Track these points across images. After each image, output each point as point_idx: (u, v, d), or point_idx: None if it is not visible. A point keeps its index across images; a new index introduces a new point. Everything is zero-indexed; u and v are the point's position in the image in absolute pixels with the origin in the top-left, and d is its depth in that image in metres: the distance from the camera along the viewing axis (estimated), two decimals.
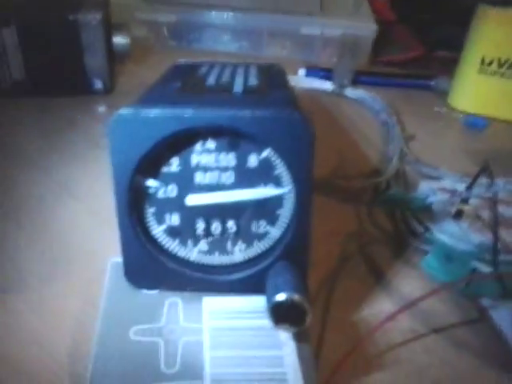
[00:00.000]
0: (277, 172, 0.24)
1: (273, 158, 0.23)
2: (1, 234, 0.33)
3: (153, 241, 0.25)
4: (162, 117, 0.22)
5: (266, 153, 0.23)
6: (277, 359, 0.22)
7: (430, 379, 0.25)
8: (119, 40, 0.54)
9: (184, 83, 0.28)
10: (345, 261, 0.32)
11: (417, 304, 0.26)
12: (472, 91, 0.54)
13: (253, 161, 0.24)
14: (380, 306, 0.29)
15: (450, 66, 0.58)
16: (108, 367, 0.22)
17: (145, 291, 0.26)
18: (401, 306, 0.26)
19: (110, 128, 0.22)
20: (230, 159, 0.24)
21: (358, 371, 0.24)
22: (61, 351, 0.25)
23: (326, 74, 0.59)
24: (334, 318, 0.27)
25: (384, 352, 0.26)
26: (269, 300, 0.22)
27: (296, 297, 0.22)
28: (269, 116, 0.22)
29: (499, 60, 0.52)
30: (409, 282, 0.31)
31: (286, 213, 0.25)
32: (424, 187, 0.37)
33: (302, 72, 0.60)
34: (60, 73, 0.53)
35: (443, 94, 0.58)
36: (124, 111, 0.22)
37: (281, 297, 0.22)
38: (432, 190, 0.36)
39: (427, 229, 0.33)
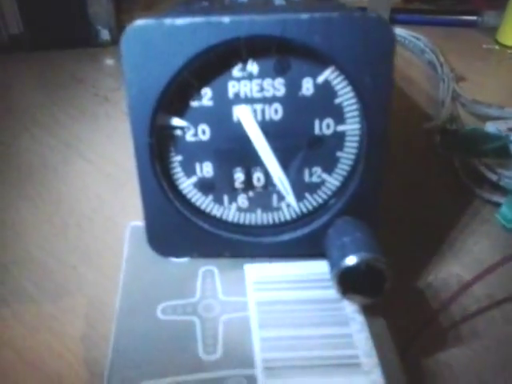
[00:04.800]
0: (338, 101, 0.18)
1: (334, 82, 0.18)
2: (1, 204, 0.30)
3: (181, 197, 0.21)
4: (192, 26, 0.17)
5: (326, 74, 0.18)
6: (345, 338, 0.18)
7: None
8: None
9: (211, 2, 0.22)
10: (402, 219, 0.28)
11: (497, 268, 0.21)
12: None
13: (307, 87, 0.18)
14: (448, 270, 0.25)
15: None
16: (131, 353, 0.17)
17: (173, 259, 0.21)
18: (473, 270, 0.22)
19: (123, 46, 0.17)
20: (277, 87, 0.18)
21: (432, 346, 0.21)
22: (74, 335, 0.21)
23: None
24: (396, 285, 0.23)
25: (459, 323, 0.22)
26: (334, 264, 0.17)
27: (371, 258, 0.17)
28: (334, 18, 0.16)
29: None
30: (478, 240, 0.27)
31: (347, 156, 0.20)
32: (491, 129, 0.32)
33: None
34: (61, 23, 0.48)
35: (490, 31, 0.52)
36: (142, 21, 0.17)
37: (351, 260, 0.17)
38: (501, 131, 0.31)
39: (499, 176, 0.28)
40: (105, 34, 0.49)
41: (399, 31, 0.49)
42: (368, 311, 0.19)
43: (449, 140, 0.30)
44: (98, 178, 0.32)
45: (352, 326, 0.18)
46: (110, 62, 0.48)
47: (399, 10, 0.53)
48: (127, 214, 0.27)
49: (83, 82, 0.43)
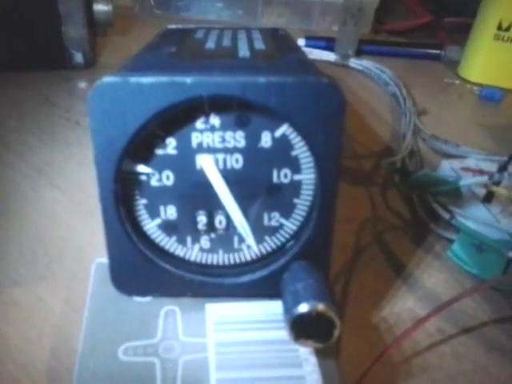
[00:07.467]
0: (294, 153, 0.20)
1: (291, 136, 0.19)
2: None
3: (145, 238, 0.21)
4: (157, 85, 0.18)
5: (282, 129, 0.19)
6: (298, 380, 0.19)
7: None
8: (101, 8, 0.49)
9: (179, 48, 0.23)
10: (360, 252, 0.29)
11: (449, 306, 0.23)
12: (486, 60, 0.50)
13: (266, 140, 0.19)
14: (402, 304, 0.26)
15: (459, 34, 0.54)
16: None
17: (136, 298, 0.22)
18: (427, 305, 0.24)
19: (91, 100, 0.18)
20: (238, 139, 0.19)
21: (383, 381, 0.22)
22: (39, 367, 0.21)
23: (328, 43, 0.54)
24: (350, 319, 0.24)
25: (410, 358, 0.23)
26: (288, 311, 0.18)
27: (322, 307, 0.18)
28: (289, 82, 0.17)
29: None
30: (432, 274, 0.28)
31: (303, 203, 0.21)
32: (446, 167, 0.34)
33: (301, 42, 0.55)
34: (35, 45, 0.48)
35: (453, 65, 0.54)
36: (109, 78, 0.18)
37: (303, 308, 0.18)
38: (455, 171, 0.33)
39: (452, 214, 0.30)
40: (78, 58, 0.49)
41: (366, 63, 0.51)
42: (320, 352, 0.19)
43: (406, 180, 0.32)
44: (68, 206, 0.32)
45: (305, 368, 0.19)
46: (82, 85, 0.48)
47: (367, 41, 0.55)
48: (96, 244, 0.28)
49: (56, 106, 0.44)
